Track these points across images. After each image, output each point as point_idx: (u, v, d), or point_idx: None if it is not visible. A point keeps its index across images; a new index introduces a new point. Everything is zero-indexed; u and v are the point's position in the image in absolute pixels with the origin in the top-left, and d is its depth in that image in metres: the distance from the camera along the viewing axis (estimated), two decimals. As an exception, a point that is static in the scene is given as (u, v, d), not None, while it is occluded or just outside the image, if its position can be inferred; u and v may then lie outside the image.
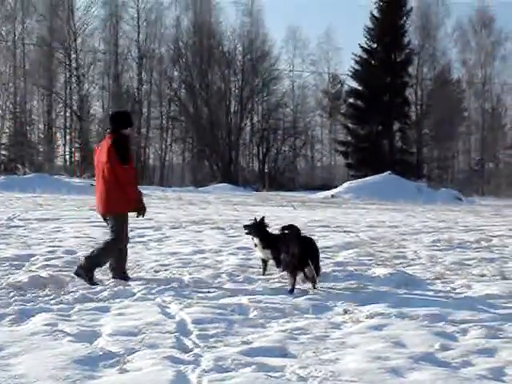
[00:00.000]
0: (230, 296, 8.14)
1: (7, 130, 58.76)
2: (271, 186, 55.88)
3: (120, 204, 9.00)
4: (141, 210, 9.27)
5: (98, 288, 8.40)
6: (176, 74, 65.50)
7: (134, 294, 8.12)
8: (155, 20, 63.78)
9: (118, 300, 7.80)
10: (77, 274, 8.86)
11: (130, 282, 8.86)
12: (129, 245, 12.70)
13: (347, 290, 8.60)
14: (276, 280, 9.27)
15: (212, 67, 64.48)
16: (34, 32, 61.12)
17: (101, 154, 9.10)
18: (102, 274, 9.42)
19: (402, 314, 7.21)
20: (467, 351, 5.99)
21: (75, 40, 60.78)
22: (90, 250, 9.42)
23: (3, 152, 57.46)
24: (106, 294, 8.08)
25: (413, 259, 11.78)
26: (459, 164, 71.18)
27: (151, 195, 36.99)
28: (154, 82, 64.44)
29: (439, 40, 67.04)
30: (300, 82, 70.79)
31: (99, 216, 9.48)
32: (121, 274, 9.11)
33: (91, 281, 8.72)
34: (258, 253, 9.74)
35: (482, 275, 10.10)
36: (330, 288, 8.79)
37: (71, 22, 60.62)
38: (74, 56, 61.01)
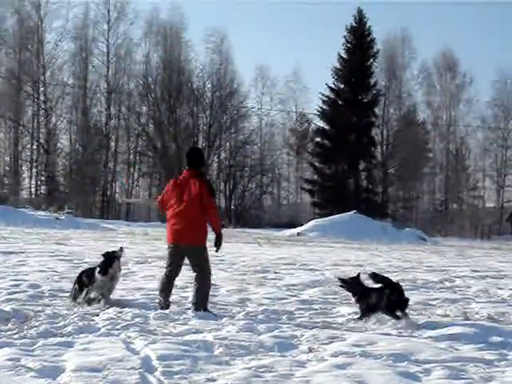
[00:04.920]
0: (196, 332, 8.12)
1: (-28, 163, 58.33)
2: (237, 223, 55.87)
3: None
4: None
5: (62, 323, 8.34)
6: (144, 109, 65.65)
7: (99, 330, 8.07)
8: (125, 55, 64.00)
9: (82, 335, 7.75)
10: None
11: (94, 318, 8.81)
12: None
13: (312, 328, 8.63)
14: (242, 317, 9.27)
15: (181, 103, 64.69)
16: (3, 64, 60.96)
17: (191, 189, 9.52)
18: (67, 308, 9.37)
19: (367, 353, 7.25)
20: (430, 391, 6.03)
21: (44, 73, 60.77)
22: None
23: (-32, 183, 56.99)
24: (70, 328, 8.03)
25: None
26: (423, 204, 71.76)
27: (117, 230, 36.85)
28: (123, 116, 64.48)
29: (405, 82, 68.09)
30: (268, 120, 71.36)
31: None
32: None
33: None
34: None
35: (445, 315, 10.19)
36: (295, 326, 8.81)
37: (41, 55, 60.63)
38: (42, 89, 60.96)
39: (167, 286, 9.81)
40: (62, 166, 63.40)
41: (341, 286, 9.92)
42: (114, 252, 10.18)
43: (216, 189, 66.65)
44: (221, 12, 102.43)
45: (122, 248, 10.35)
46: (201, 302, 9.54)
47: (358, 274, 9.79)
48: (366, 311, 9.27)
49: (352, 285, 9.66)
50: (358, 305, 9.50)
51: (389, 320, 9.17)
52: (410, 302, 9.45)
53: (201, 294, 9.60)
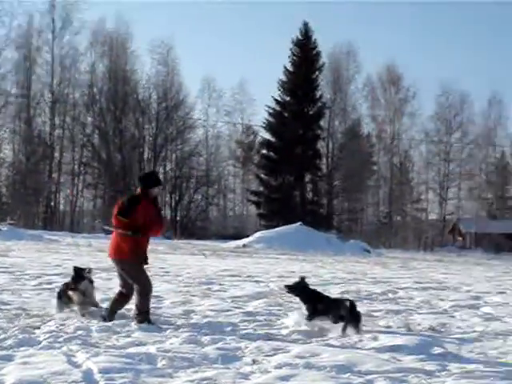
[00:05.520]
0: (139, 345, 8.05)
1: None
2: (183, 235, 55.66)
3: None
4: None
5: (2, 336, 8.20)
6: (89, 119, 65.23)
7: (40, 343, 7.95)
8: (70, 65, 63.40)
9: (22, 348, 7.61)
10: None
11: (35, 331, 8.68)
12: (36, 292, 12.51)
13: (256, 340, 8.62)
14: (186, 329, 9.22)
15: (126, 114, 64.39)
16: None
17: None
18: (8, 320, 9.22)
19: (310, 365, 7.26)
20: (372, 402, 6.07)
21: (-14, 82, 59.85)
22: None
23: None
24: (10, 342, 7.88)
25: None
26: (368, 216, 72.50)
27: (61, 241, 36.39)
28: (67, 126, 63.84)
29: (350, 95, 68.84)
30: (214, 132, 71.47)
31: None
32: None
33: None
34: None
35: (388, 327, 10.27)
36: (239, 338, 8.79)
37: (-17, 64, 59.73)
38: (-15, 98, 59.99)
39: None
40: (4, 176, 62.45)
41: (288, 292, 10.23)
42: (82, 269, 10.36)
43: (162, 200, 66.64)
44: (167, 23, 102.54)
45: (90, 269, 10.46)
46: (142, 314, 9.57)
47: (302, 278, 10.08)
48: (313, 313, 9.58)
49: (298, 289, 9.98)
50: (305, 307, 9.76)
51: (332, 330, 9.23)
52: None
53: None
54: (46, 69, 62.93)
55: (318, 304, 9.71)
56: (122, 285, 9.80)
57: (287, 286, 10.23)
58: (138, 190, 9.86)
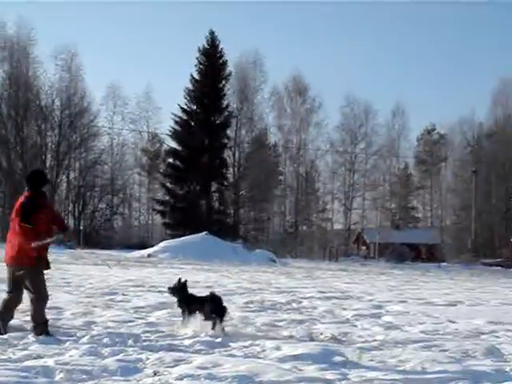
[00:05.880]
0: (36, 358, 7.81)
1: None
2: (86, 244, 54.71)
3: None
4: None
5: None
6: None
7: None
8: (-32, 70, 61.68)
9: None
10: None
11: None
12: None
13: (158, 351, 8.49)
14: (86, 341, 9.01)
15: (28, 121, 63.10)
16: None
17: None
18: None
19: (212, 376, 7.18)
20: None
21: None
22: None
23: None
24: None
25: (226, 320, 11.81)
26: (274, 226, 72.99)
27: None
28: (-34, 134, 62.03)
29: (257, 104, 69.27)
30: (119, 140, 70.80)
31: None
32: None
33: None
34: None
35: (291, 336, 10.29)
36: (141, 349, 8.65)
37: None
38: None
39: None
40: None
41: (169, 292, 10.91)
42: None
43: (65, 209, 65.52)
44: (71, 29, 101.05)
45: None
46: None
47: (185, 282, 10.73)
48: (186, 314, 10.34)
49: (178, 290, 10.67)
50: (179, 307, 10.63)
51: (233, 340, 9.19)
52: (227, 317, 10.35)
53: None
54: None
55: (191, 305, 10.38)
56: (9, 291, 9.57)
57: (169, 288, 10.87)
58: (27, 192, 9.51)
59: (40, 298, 9.36)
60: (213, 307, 10.09)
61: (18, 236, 9.32)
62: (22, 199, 9.48)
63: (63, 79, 65.46)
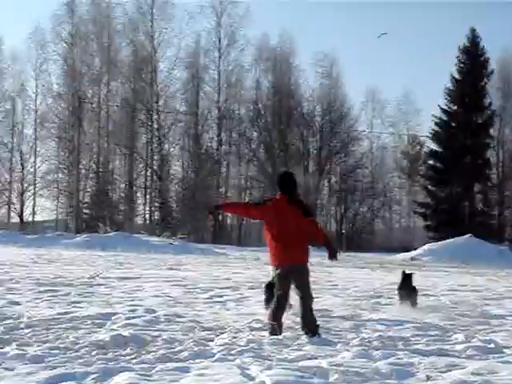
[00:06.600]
0: (310, 358, 8.03)
1: (90, 190, 60.09)
2: (348, 248, 55.45)
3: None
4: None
5: (178, 348, 8.41)
6: (255, 134, 66.37)
7: (214, 355, 8.08)
8: (235, 82, 64.90)
9: (197, 360, 7.77)
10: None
11: (209, 343, 8.86)
12: (208, 305, 12.83)
13: (429, 356, 8.40)
14: (356, 344, 9.12)
15: (291, 128, 65.25)
16: (118, 94, 62.78)
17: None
18: (182, 333, 9.48)
19: (488, 382, 6.96)
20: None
21: (157, 101, 62.27)
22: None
23: (86, 211, 58.66)
24: (186, 354, 8.07)
25: (497, 325, 11.47)
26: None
27: (229, 255, 37.19)
28: (233, 142, 65.30)
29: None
30: (379, 143, 70.92)
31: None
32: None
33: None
34: None
35: None
36: (411, 353, 8.60)
37: (154, 84, 62.15)
38: (155, 117, 62.39)
39: (282, 310, 9.83)
40: (174, 192, 64.60)
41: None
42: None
43: (327, 213, 66.94)
44: (330, 36, 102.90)
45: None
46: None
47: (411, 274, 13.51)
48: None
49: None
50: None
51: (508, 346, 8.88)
52: None
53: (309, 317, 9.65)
54: (212, 86, 64.76)
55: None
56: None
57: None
58: (279, 195, 9.91)
59: (310, 297, 9.66)
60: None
61: (306, 235, 9.67)
62: (286, 201, 9.71)
63: (323, 86, 67.12)
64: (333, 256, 9.74)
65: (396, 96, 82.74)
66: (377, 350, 8.65)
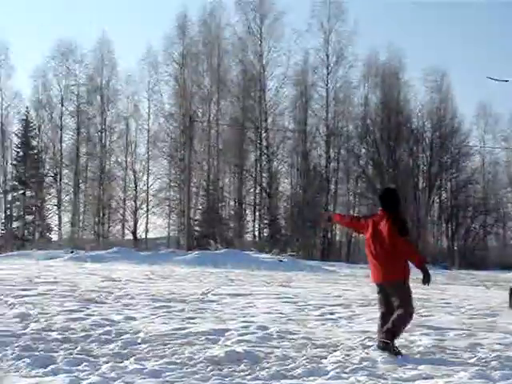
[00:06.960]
0: (426, 378, 7.90)
1: (200, 207, 61.00)
2: (461, 265, 54.30)
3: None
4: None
5: (292, 365, 8.42)
6: (363, 150, 66.03)
7: (328, 373, 8.05)
8: (344, 98, 64.75)
9: (311, 378, 7.76)
10: (382, 348, 9.31)
11: (322, 360, 8.83)
12: (319, 322, 12.79)
13: None
14: (473, 363, 8.91)
15: (399, 144, 64.61)
16: (228, 112, 63.63)
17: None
18: (295, 350, 9.48)
19: None
20: None
21: (266, 119, 62.77)
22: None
23: (197, 228, 59.54)
24: (299, 371, 8.07)
25: None
26: None
27: (338, 272, 37.00)
28: (342, 159, 65.08)
29: None
30: (491, 158, 69.33)
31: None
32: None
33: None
34: None
35: None
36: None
37: (263, 102, 62.71)
38: (264, 135, 62.89)
39: (380, 326, 9.69)
40: (283, 209, 64.85)
41: None
42: None
43: (438, 229, 65.79)
44: (439, 50, 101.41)
45: None
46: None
47: None
48: None
49: None
50: None
51: None
52: None
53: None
54: (321, 103, 64.79)
55: None
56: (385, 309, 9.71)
57: None
58: (381, 211, 9.84)
59: (396, 313, 9.43)
60: None
61: (402, 253, 9.39)
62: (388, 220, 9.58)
63: (433, 100, 66.37)
64: (427, 281, 9.52)
65: (509, 109, 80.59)
66: (495, 370, 8.44)
